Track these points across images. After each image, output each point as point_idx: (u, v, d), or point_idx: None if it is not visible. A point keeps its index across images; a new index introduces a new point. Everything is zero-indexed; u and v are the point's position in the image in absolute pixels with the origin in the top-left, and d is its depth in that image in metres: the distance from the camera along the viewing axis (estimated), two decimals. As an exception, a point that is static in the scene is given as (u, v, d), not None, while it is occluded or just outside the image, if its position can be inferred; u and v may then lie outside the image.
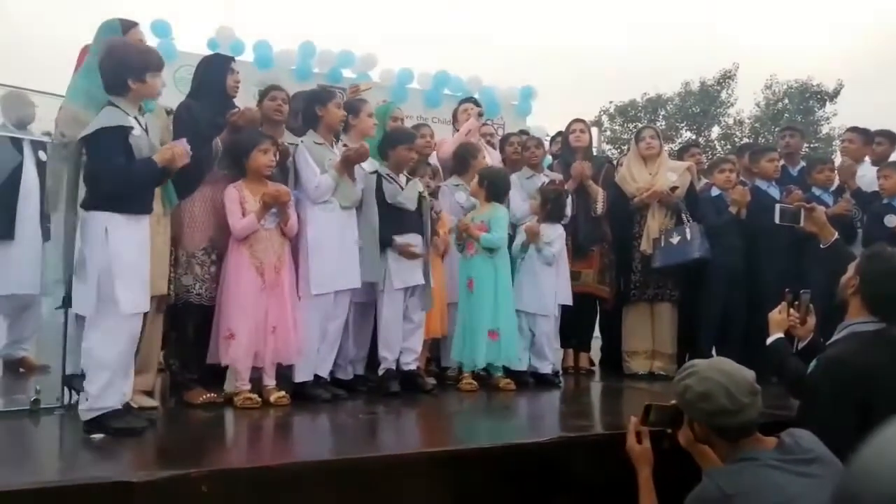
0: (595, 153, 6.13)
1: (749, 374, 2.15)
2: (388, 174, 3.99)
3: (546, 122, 9.39)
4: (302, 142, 3.83)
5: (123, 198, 2.82)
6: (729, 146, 22.70)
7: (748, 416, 2.09)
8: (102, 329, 2.76)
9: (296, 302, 3.60)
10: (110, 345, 2.79)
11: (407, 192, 4.02)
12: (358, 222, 3.90)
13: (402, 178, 4.06)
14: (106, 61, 2.94)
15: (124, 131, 2.84)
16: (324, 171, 3.72)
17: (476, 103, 5.27)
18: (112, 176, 2.80)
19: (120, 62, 2.90)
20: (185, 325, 3.56)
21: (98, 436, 2.73)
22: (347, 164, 3.79)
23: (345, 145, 3.93)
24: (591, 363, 5.29)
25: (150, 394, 3.44)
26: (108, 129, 2.79)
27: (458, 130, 5.20)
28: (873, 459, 0.79)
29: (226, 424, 3.22)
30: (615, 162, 5.93)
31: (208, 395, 3.49)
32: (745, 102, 24.66)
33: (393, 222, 3.92)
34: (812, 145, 20.63)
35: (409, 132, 4.35)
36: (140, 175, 2.89)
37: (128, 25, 3.44)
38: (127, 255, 2.80)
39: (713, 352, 5.03)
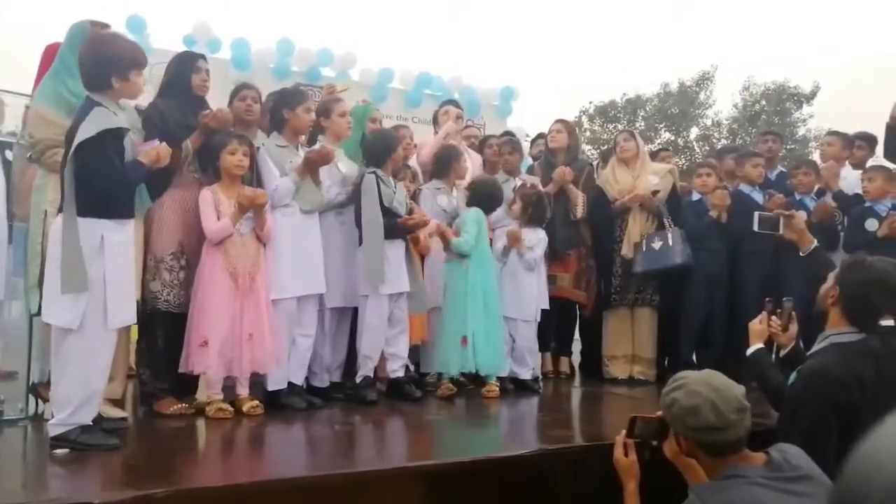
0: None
1: (739, 389, 2.11)
2: (381, 177, 3.90)
3: (526, 122, 9.37)
4: (263, 144, 3.71)
5: (117, 203, 2.73)
6: (707, 147, 22.88)
7: (735, 433, 2.05)
8: (86, 343, 2.64)
9: (272, 309, 3.51)
10: (95, 361, 2.68)
11: (399, 197, 3.96)
12: (356, 223, 3.84)
13: (392, 182, 4.00)
14: (90, 55, 2.79)
15: (122, 133, 2.75)
16: (283, 174, 3.62)
17: (456, 105, 5.21)
18: (111, 180, 2.70)
19: (106, 57, 2.75)
20: (155, 334, 3.44)
21: (62, 451, 2.62)
22: (310, 167, 3.68)
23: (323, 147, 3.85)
24: (571, 368, 5.26)
25: (118, 403, 3.32)
26: (110, 132, 2.68)
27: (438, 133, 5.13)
28: (870, 460, 0.79)
29: (196, 437, 3.12)
30: (595, 164, 5.89)
31: (179, 405, 3.39)
32: (723, 104, 24.91)
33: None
34: (788, 147, 20.83)
35: (399, 136, 4.29)
36: (133, 178, 2.81)
37: (99, 27, 3.32)
38: (119, 265, 2.71)
39: (693, 356, 5.04)
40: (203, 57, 3.75)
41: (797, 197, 5.04)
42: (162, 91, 3.61)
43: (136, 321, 2.96)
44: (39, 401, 3.32)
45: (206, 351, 3.30)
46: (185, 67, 3.61)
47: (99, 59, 2.76)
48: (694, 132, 24.86)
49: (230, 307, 3.35)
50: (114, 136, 2.72)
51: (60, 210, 2.68)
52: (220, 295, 3.34)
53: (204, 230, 3.40)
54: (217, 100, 3.81)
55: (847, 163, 5.45)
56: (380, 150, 3.99)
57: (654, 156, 5.69)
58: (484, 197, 4.33)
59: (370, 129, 4.32)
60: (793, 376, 2.67)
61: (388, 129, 4.54)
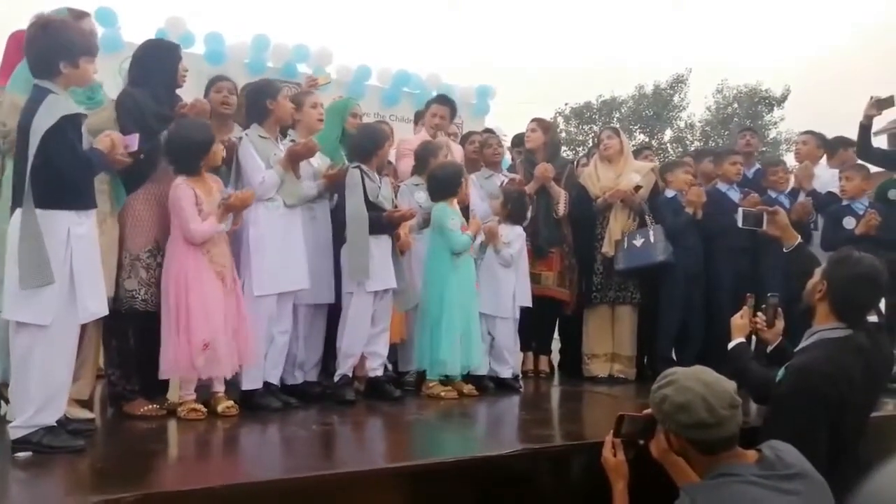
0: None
1: (730, 385, 2.07)
2: (366, 171, 3.85)
3: (502, 122, 9.33)
4: (246, 135, 3.62)
5: (80, 192, 2.66)
6: (681, 149, 23.15)
7: (728, 429, 2.01)
8: (50, 339, 2.53)
9: (252, 306, 3.45)
10: (58, 357, 2.58)
11: (384, 192, 3.91)
12: (343, 217, 3.77)
13: (377, 177, 3.95)
14: (38, 40, 2.67)
15: (80, 119, 2.68)
16: (269, 167, 3.54)
17: (452, 105, 5.03)
18: (76, 168, 2.62)
19: (54, 43, 2.65)
20: (127, 333, 3.31)
21: (24, 454, 2.50)
22: (293, 160, 3.61)
23: (292, 141, 3.77)
24: (550, 366, 5.22)
25: (86, 404, 3.20)
26: (69, 118, 2.59)
27: (421, 128, 5.08)
28: (886, 484, 0.76)
29: (168, 439, 3.01)
30: (575, 162, 5.87)
31: (150, 405, 3.27)
32: (696, 106, 25.21)
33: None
34: (760, 149, 21.12)
35: (385, 131, 4.24)
36: (95, 165, 2.73)
37: (78, 15, 3.20)
38: (86, 257, 2.64)
39: (673, 353, 5.02)
40: (181, 47, 3.70)
41: (773, 195, 5.06)
42: (137, 80, 3.46)
43: (107, 313, 2.85)
44: (2, 402, 3.18)
45: (206, 354, 3.17)
46: (169, 57, 3.51)
47: (47, 45, 2.66)
48: (668, 134, 25.15)
49: (224, 307, 3.27)
50: (73, 123, 2.64)
51: (17, 202, 2.57)
52: (212, 296, 3.24)
53: (186, 230, 3.24)
54: (190, 95, 3.70)
55: (820, 162, 5.50)
56: (366, 145, 3.94)
57: (635, 156, 5.69)
58: (438, 185, 4.22)
59: (351, 123, 4.25)
60: (780, 373, 2.65)
61: (374, 123, 4.49)
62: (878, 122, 5.25)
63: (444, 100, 5.10)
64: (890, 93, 4.86)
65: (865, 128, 4.96)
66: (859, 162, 5.05)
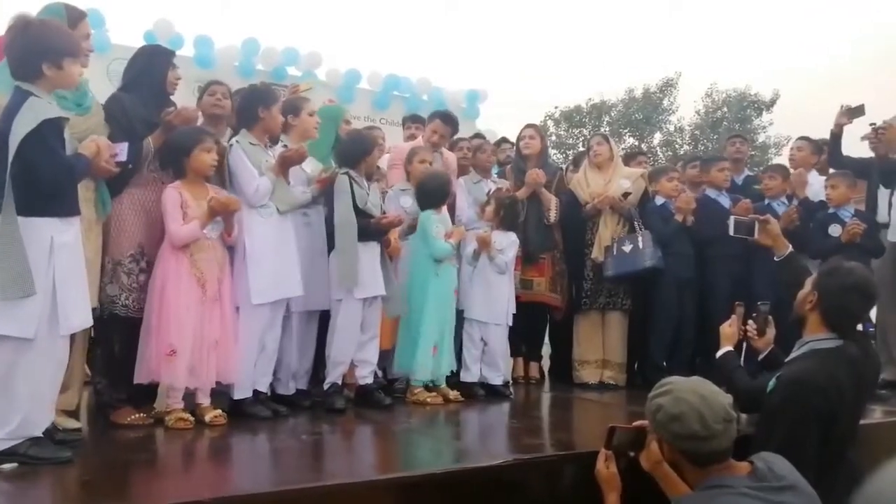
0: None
1: (726, 399, 2.07)
2: (355, 177, 3.84)
3: (492, 125, 9.36)
4: (237, 142, 3.59)
5: (63, 198, 2.60)
6: (670, 153, 23.23)
7: (720, 443, 2.01)
8: (34, 351, 2.48)
9: (235, 314, 3.40)
10: (44, 370, 2.53)
11: (373, 198, 3.90)
12: (328, 225, 3.77)
13: (366, 184, 3.94)
14: (18, 41, 2.60)
15: (62, 123, 2.62)
16: (261, 174, 3.52)
17: (454, 125, 5.00)
18: (58, 173, 2.56)
19: (35, 43, 2.58)
20: (111, 340, 3.28)
21: (9, 465, 2.45)
22: (285, 166, 3.60)
23: (285, 146, 3.74)
24: (541, 372, 5.21)
25: (73, 414, 3.16)
26: (50, 122, 2.52)
27: (409, 133, 5.07)
28: (880, 493, 0.77)
29: (155, 449, 2.96)
30: (565, 168, 5.87)
31: (137, 414, 3.24)
32: (685, 110, 25.33)
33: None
34: (749, 153, 21.22)
35: (375, 138, 4.23)
36: (78, 172, 2.67)
37: (76, 15, 3.11)
38: (69, 266, 2.58)
39: (664, 360, 5.03)
40: (175, 53, 3.66)
41: (766, 202, 5.07)
42: (127, 85, 3.44)
43: (91, 324, 2.81)
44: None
45: (173, 360, 3.13)
46: (159, 63, 3.48)
47: (27, 46, 2.58)
48: (657, 138, 25.24)
49: (197, 314, 3.21)
50: (55, 127, 2.57)
51: None
52: (187, 301, 3.18)
53: (167, 232, 3.23)
54: (178, 98, 3.67)
55: (814, 169, 5.51)
56: (354, 151, 3.93)
57: (629, 160, 5.70)
58: (426, 194, 4.22)
59: (342, 129, 4.24)
60: (772, 383, 2.65)
61: (363, 129, 4.48)
62: (864, 129, 5.26)
63: (447, 119, 4.99)
64: (862, 101, 4.89)
65: (836, 136, 4.99)
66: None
